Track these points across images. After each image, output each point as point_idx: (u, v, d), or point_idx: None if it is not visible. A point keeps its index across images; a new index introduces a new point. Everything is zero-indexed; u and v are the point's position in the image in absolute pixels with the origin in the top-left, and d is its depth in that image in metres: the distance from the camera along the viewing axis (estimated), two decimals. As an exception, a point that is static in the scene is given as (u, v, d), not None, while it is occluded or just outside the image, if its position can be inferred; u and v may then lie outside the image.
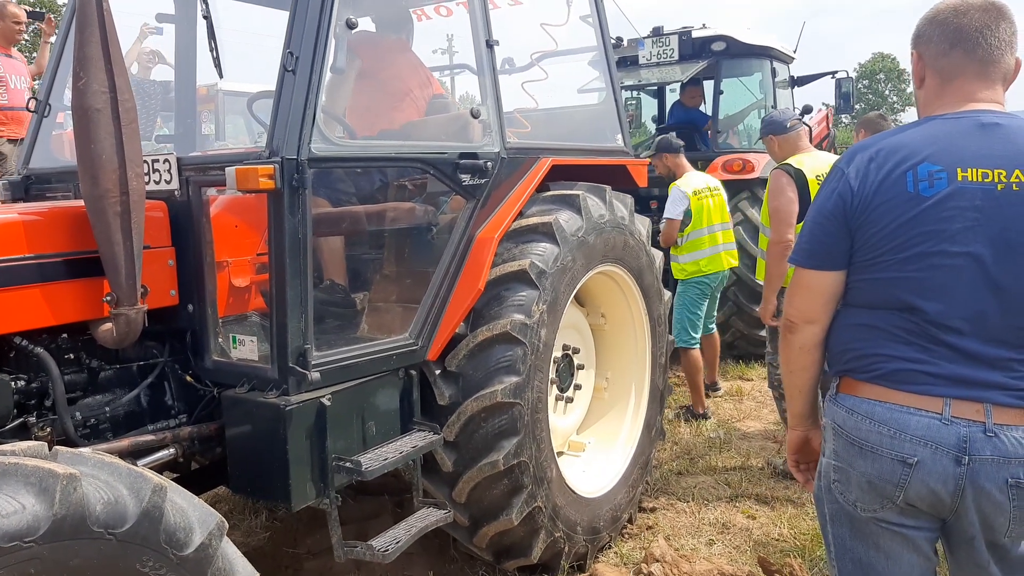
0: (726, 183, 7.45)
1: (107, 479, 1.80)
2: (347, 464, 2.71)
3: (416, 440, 2.98)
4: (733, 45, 8.00)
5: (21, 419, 2.47)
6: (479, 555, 3.38)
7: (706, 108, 8.80)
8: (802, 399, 2.12)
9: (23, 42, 6.26)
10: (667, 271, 7.94)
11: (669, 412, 5.97)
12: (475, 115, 3.29)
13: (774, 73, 8.35)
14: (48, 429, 2.52)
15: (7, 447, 1.81)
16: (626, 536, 4.08)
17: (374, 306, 3.28)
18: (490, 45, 3.31)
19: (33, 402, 2.53)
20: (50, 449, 1.92)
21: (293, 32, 2.60)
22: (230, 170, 2.49)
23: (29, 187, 3.32)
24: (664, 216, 5.84)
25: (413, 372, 3.08)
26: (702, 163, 7.84)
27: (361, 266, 3.54)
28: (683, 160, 6.20)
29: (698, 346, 5.91)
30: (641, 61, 8.27)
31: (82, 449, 2.32)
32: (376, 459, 2.78)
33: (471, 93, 3.39)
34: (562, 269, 3.32)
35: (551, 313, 3.27)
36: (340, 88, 4.04)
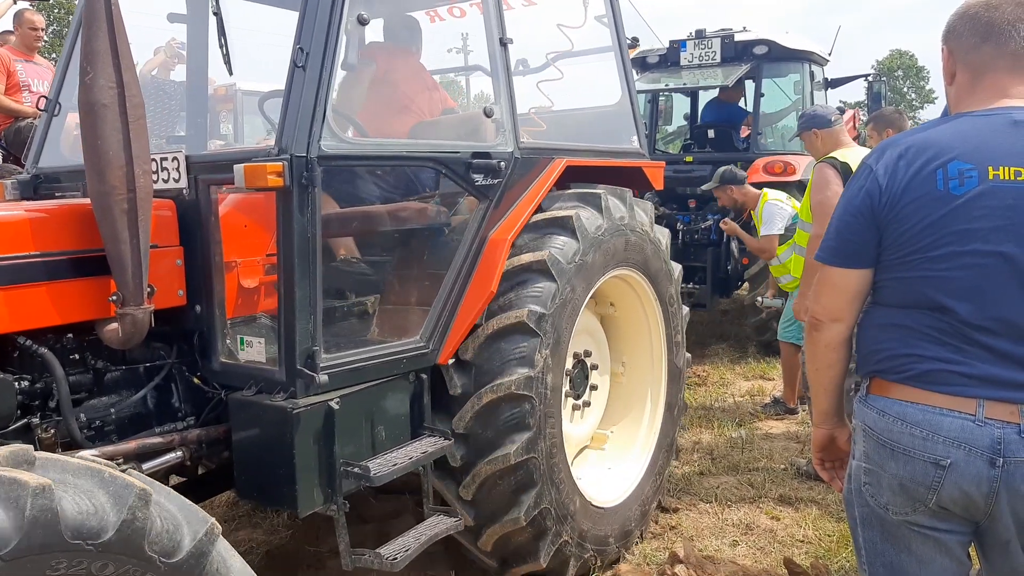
0: (766, 185, 7.43)
1: (87, 487, 1.73)
2: (355, 470, 2.65)
3: (426, 446, 2.92)
4: (775, 49, 8.16)
5: (25, 420, 2.43)
6: (485, 562, 3.28)
7: (744, 106, 8.87)
8: (827, 397, 2.08)
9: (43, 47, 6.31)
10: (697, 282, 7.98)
11: (755, 401, 5.97)
12: (488, 114, 3.23)
13: (812, 76, 8.46)
14: (52, 431, 2.48)
15: None
16: (649, 536, 4.03)
17: (385, 308, 3.22)
18: (504, 44, 3.25)
19: (37, 403, 2.48)
20: (50, 451, 1.88)
21: (304, 28, 2.55)
22: (238, 168, 2.45)
23: (38, 186, 3.29)
24: (766, 231, 5.69)
25: (424, 375, 3.02)
26: (742, 164, 7.84)
27: (372, 267, 3.50)
28: (749, 188, 6.15)
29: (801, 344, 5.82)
30: (683, 63, 8.36)
31: (81, 455, 2.28)
32: (385, 465, 2.72)
33: (486, 93, 3.35)
34: (581, 265, 3.26)
35: (569, 309, 3.21)
36: (354, 90, 4.01)
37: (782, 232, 5.64)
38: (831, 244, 1.95)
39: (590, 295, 3.44)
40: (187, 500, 1.94)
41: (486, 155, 3.12)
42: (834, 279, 1.95)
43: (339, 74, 2.89)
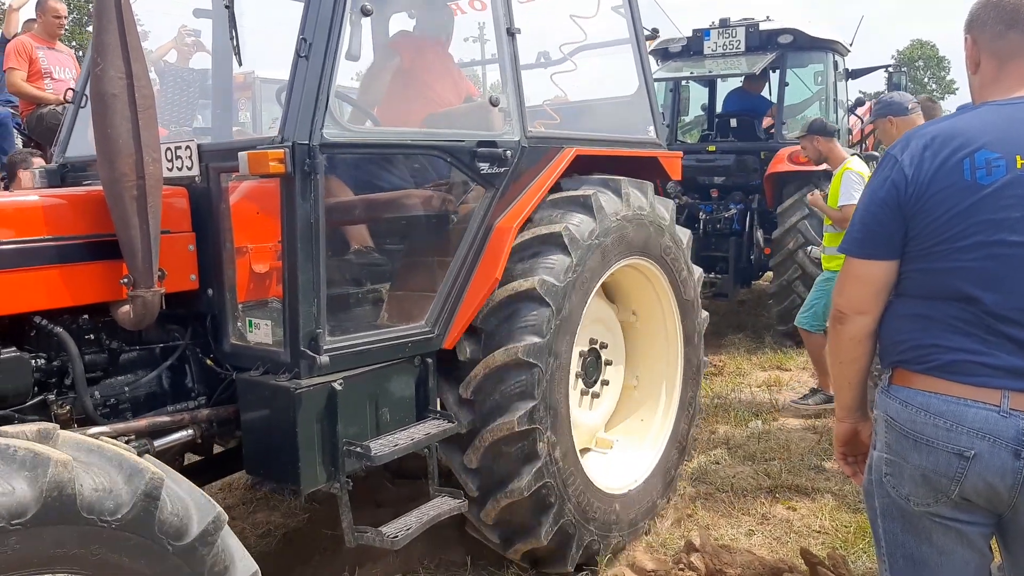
0: (792, 175, 7.34)
1: (104, 466, 1.83)
2: (357, 449, 2.71)
3: (429, 428, 2.98)
4: (800, 38, 8.07)
5: (41, 397, 2.54)
6: (489, 539, 3.32)
7: (769, 95, 8.79)
8: (851, 391, 2.08)
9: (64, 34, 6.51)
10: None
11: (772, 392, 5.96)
12: (494, 103, 3.27)
13: (835, 66, 8.36)
14: (68, 407, 2.59)
15: (12, 428, 1.85)
16: (665, 524, 4.05)
17: (391, 293, 3.28)
18: (511, 33, 3.29)
19: (53, 380, 2.59)
20: (65, 427, 1.97)
21: (307, 18, 2.62)
22: (242, 155, 2.53)
23: (65, 175, 3.41)
24: (844, 202, 5.39)
25: (430, 360, 3.08)
26: (766, 154, 7.75)
27: (383, 254, 3.56)
28: (837, 145, 5.87)
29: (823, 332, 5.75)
30: (706, 51, 8.32)
31: (94, 431, 2.39)
32: (387, 445, 2.78)
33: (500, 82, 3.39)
34: (596, 245, 3.29)
35: (567, 326, 3.24)
36: (376, 82, 4.08)
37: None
38: (856, 236, 1.94)
39: (606, 275, 3.47)
40: (196, 487, 2.03)
41: (492, 144, 3.16)
42: (859, 271, 1.94)
43: (350, 65, 2.94)
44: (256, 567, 2.09)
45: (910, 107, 4.58)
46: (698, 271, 4.21)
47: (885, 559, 2.00)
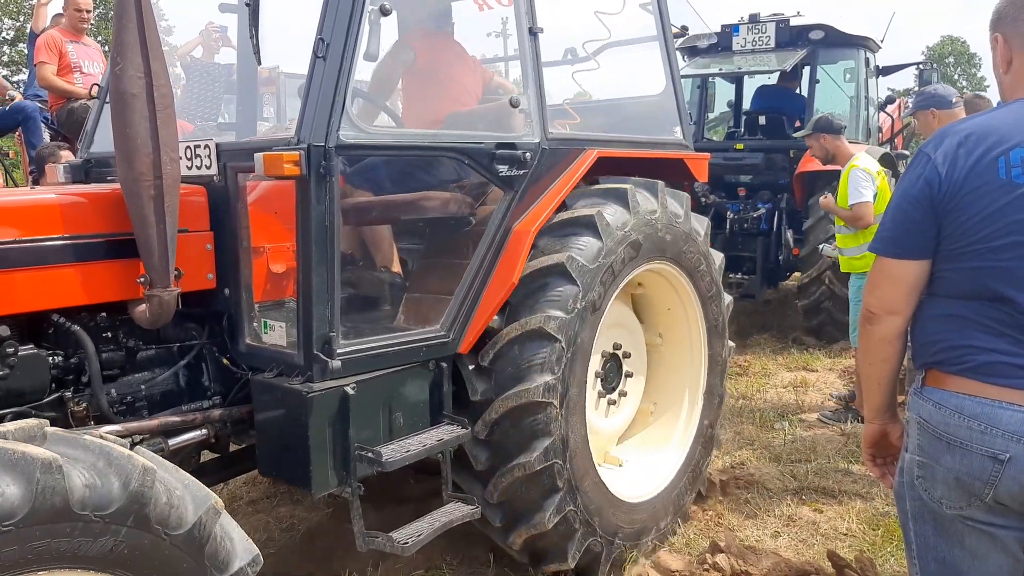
0: (823, 174, 7.22)
1: (94, 462, 1.84)
2: (368, 454, 2.70)
3: (443, 433, 2.96)
4: (832, 34, 7.94)
5: (58, 394, 2.56)
6: (489, 526, 3.28)
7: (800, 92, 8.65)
8: (881, 392, 2.05)
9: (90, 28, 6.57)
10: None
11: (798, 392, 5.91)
12: (514, 104, 3.23)
13: (867, 63, 8.22)
14: (84, 405, 2.60)
15: (1, 428, 1.86)
16: (690, 525, 4.02)
17: (407, 296, 3.26)
18: (533, 33, 3.24)
19: (71, 378, 2.61)
20: (82, 425, 1.98)
21: (325, 18, 2.59)
22: (258, 156, 2.52)
23: (89, 171, 3.44)
24: (853, 201, 5.27)
25: (444, 364, 3.06)
26: (795, 152, 7.62)
27: (403, 254, 3.54)
28: (844, 142, 5.72)
29: None
30: (735, 47, 8.17)
31: (106, 429, 2.40)
32: (398, 451, 2.76)
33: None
34: (605, 265, 3.23)
35: (592, 310, 3.19)
36: (390, 79, 4.02)
37: (871, 201, 5.22)
38: (887, 234, 1.91)
39: (617, 291, 3.41)
40: (191, 476, 2.03)
41: (511, 146, 3.12)
42: (891, 270, 1.91)
43: (365, 65, 2.92)
44: (257, 551, 2.09)
45: (954, 101, 4.47)
46: (719, 257, 4.12)
47: (916, 562, 1.97)
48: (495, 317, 3.10)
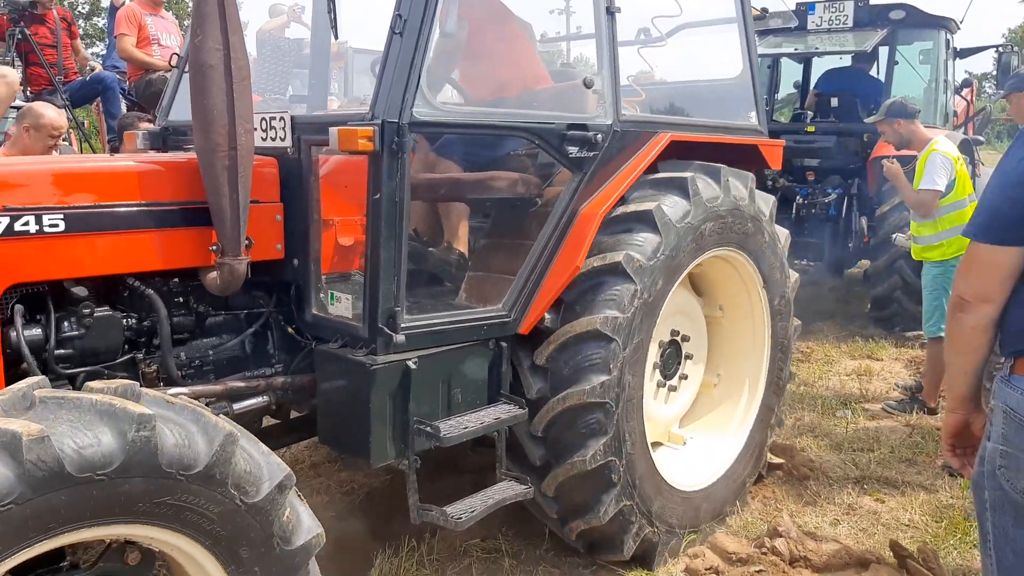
0: (899, 159, 6.94)
1: (183, 423, 1.90)
2: (427, 428, 2.73)
3: (500, 412, 2.97)
4: (912, 14, 7.64)
5: (131, 355, 2.64)
6: (546, 517, 3.31)
7: (877, 74, 8.39)
8: (967, 381, 1.99)
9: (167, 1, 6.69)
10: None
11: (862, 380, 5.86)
12: (588, 85, 3.18)
13: (946, 44, 7.88)
14: (154, 367, 2.68)
15: (98, 384, 1.93)
16: (748, 508, 3.99)
17: (470, 274, 3.26)
18: (611, 12, 3.17)
19: (143, 340, 2.69)
20: (151, 386, 2.04)
21: None
22: (332, 130, 2.53)
23: (167, 138, 3.52)
24: (924, 187, 5.01)
25: (504, 344, 3.06)
26: (869, 136, 7.36)
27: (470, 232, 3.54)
28: (919, 126, 5.44)
29: None
30: (810, 26, 7.89)
31: (174, 391, 2.47)
32: (456, 427, 2.79)
33: (585, 55, 3.28)
34: (665, 259, 3.18)
35: (650, 307, 3.15)
36: (453, 53, 3.98)
37: (943, 189, 4.96)
38: (981, 220, 1.85)
39: (679, 280, 3.36)
40: (268, 449, 2.08)
41: (582, 127, 3.08)
42: (985, 257, 1.85)
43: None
44: (321, 529, 2.14)
45: None
46: (784, 234, 4.02)
47: (992, 554, 1.91)
48: (550, 316, 3.09)
